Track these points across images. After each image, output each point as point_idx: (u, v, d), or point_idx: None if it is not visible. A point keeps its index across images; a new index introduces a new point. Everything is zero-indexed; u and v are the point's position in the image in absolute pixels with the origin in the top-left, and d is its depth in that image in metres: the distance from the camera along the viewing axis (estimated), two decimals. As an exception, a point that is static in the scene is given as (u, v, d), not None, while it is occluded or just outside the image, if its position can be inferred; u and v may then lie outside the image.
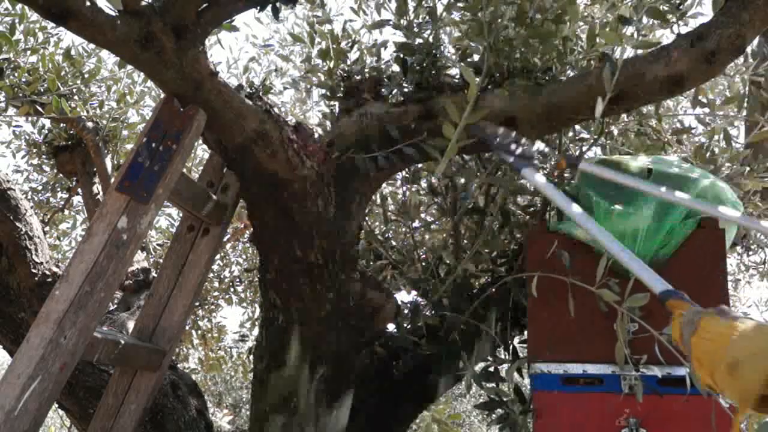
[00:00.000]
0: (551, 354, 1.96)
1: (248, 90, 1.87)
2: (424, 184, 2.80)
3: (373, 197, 2.57)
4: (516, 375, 2.28)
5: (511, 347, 2.35)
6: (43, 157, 4.11)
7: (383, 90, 2.19)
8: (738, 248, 3.90)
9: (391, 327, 2.48)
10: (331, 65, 2.39)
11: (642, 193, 1.93)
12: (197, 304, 4.49)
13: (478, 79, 1.92)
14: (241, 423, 6.39)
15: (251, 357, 2.79)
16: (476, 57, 2.11)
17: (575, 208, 1.51)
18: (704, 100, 2.52)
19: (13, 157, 4.12)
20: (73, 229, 4.63)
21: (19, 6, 2.96)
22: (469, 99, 1.80)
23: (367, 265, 2.77)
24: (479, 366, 2.35)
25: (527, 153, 1.79)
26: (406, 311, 2.51)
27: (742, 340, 0.99)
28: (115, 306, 3.14)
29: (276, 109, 1.89)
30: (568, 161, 1.81)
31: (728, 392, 1.00)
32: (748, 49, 2.09)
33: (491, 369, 2.28)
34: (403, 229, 2.99)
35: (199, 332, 4.78)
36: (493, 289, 2.38)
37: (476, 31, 1.90)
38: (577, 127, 2.51)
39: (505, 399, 2.18)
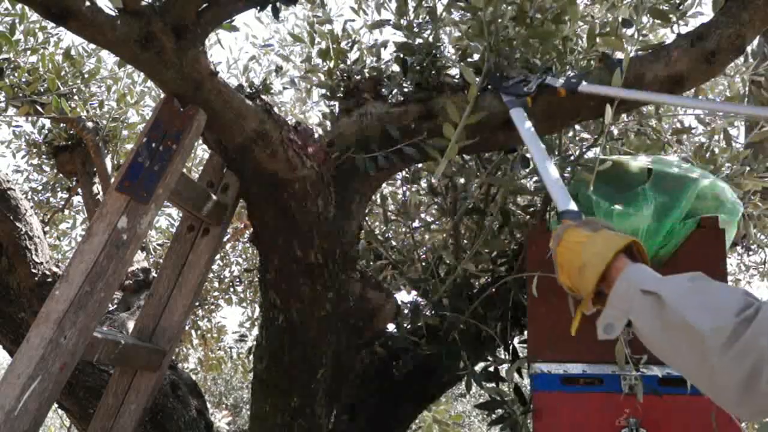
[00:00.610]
0: (551, 354, 1.96)
1: (248, 90, 1.87)
2: (424, 184, 2.80)
3: (373, 197, 2.57)
4: (516, 375, 2.28)
5: (511, 347, 2.35)
6: (43, 157, 4.11)
7: (383, 90, 2.19)
8: (738, 248, 3.90)
9: (391, 327, 2.48)
10: (331, 65, 2.39)
11: (642, 193, 1.93)
12: (197, 304, 4.49)
13: (478, 78, 1.92)
14: (242, 423, 6.39)
15: (251, 357, 2.80)
16: (476, 57, 2.11)
17: (542, 149, 1.58)
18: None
19: (13, 157, 4.12)
20: (73, 229, 4.63)
21: (19, 6, 2.96)
22: (469, 99, 1.80)
23: (367, 265, 2.77)
24: (479, 366, 2.35)
25: (520, 90, 1.81)
26: (406, 311, 2.51)
27: (590, 245, 1.16)
28: (115, 306, 3.14)
29: (276, 109, 1.89)
30: (567, 87, 1.82)
31: (581, 291, 1.17)
32: (748, 49, 2.09)
33: (491, 369, 2.28)
34: (403, 229, 3.00)
35: (199, 332, 4.78)
36: (493, 289, 2.38)
37: (476, 31, 1.90)
38: (577, 127, 2.51)
39: (505, 399, 2.18)
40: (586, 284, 1.15)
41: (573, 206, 1.34)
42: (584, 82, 1.82)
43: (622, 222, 1.91)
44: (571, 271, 1.18)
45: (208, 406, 3.78)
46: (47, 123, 3.88)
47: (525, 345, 2.28)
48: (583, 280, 1.16)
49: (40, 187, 4.38)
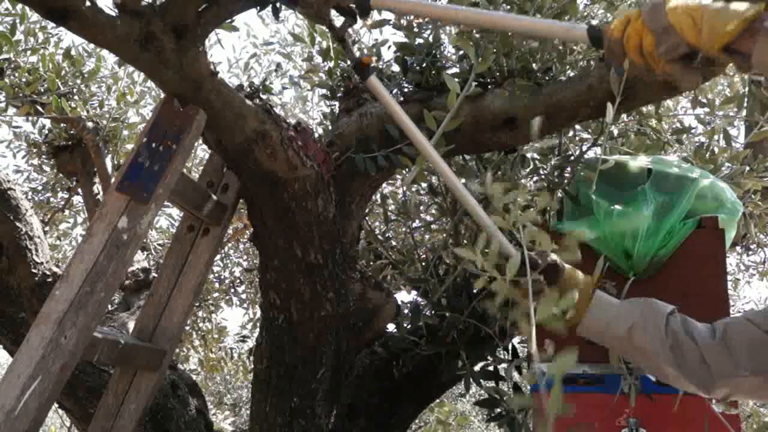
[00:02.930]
0: (551, 354, 1.95)
1: (248, 90, 1.87)
2: (424, 184, 2.80)
3: (373, 197, 2.57)
4: (516, 374, 2.28)
5: (510, 347, 2.35)
6: (44, 157, 4.11)
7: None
8: (738, 248, 3.90)
9: (391, 327, 2.48)
10: (331, 65, 2.39)
11: (642, 193, 1.93)
12: (198, 305, 4.49)
13: (478, 82, 1.92)
14: (242, 423, 6.38)
15: (251, 357, 2.80)
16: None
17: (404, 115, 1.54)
18: (704, 100, 2.52)
19: (13, 157, 4.12)
20: (73, 229, 4.63)
21: (19, 6, 2.97)
22: (448, 106, 1.79)
23: (367, 265, 2.77)
24: (479, 365, 2.35)
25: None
26: (406, 311, 2.51)
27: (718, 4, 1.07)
28: (115, 306, 3.14)
29: (276, 109, 1.89)
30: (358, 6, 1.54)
31: (707, 29, 1.05)
32: (748, 49, 2.09)
33: (490, 368, 2.28)
34: (403, 229, 2.99)
35: (200, 333, 4.78)
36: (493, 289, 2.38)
37: (466, 38, 1.89)
38: (577, 127, 2.51)
39: (504, 397, 2.18)
40: (723, 25, 1.05)
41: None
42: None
43: (622, 222, 1.90)
44: (695, 16, 1.07)
45: (209, 405, 3.78)
46: (47, 123, 3.88)
47: (525, 345, 2.28)
48: (718, 20, 1.05)
49: (40, 187, 4.38)
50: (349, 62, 1.85)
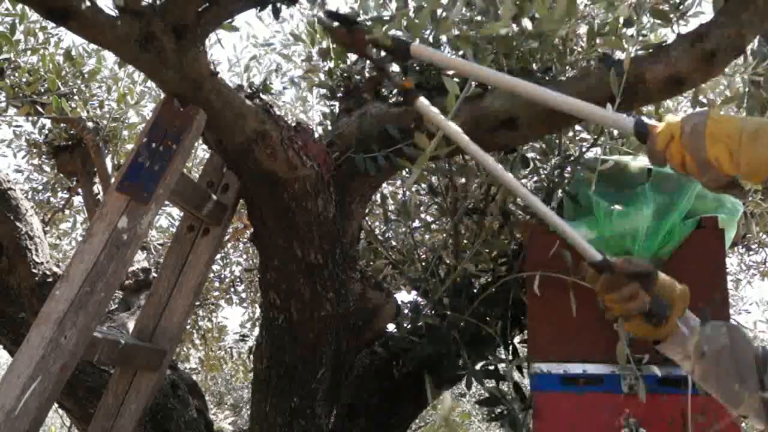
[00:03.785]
0: (551, 354, 1.96)
1: (248, 90, 1.87)
2: (424, 184, 2.80)
3: (373, 197, 2.57)
4: (516, 374, 2.28)
5: (511, 347, 2.35)
6: (44, 157, 4.11)
7: (383, 90, 2.19)
8: (738, 248, 3.90)
9: (391, 327, 2.48)
10: (331, 65, 2.39)
11: (642, 193, 1.93)
12: (198, 304, 4.49)
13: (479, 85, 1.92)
14: (242, 423, 6.38)
15: (251, 357, 2.80)
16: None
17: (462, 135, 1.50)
18: (704, 100, 2.52)
19: (13, 157, 4.12)
20: (74, 229, 4.63)
21: (19, 6, 2.97)
22: (448, 108, 1.78)
23: (367, 265, 2.77)
24: (479, 365, 2.35)
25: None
26: (406, 311, 2.51)
27: (756, 120, 1.07)
28: (115, 306, 3.14)
29: (276, 109, 1.89)
30: (397, 45, 1.54)
31: (745, 161, 1.05)
32: (748, 49, 2.09)
33: (491, 368, 2.28)
34: (403, 229, 2.99)
35: (200, 332, 4.78)
36: (493, 289, 2.38)
37: (465, 40, 1.89)
38: (577, 127, 2.51)
39: (505, 396, 2.18)
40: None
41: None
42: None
43: (622, 222, 1.91)
44: (734, 139, 1.08)
45: (209, 405, 3.79)
46: (48, 123, 3.88)
47: (525, 344, 2.28)
48: (759, 146, 1.05)
49: (40, 187, 4.38)
50: (394, 89, 1.86)
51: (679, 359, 1.36)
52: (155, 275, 3.01)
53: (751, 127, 1.05)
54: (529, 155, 2.32)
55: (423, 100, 1.54)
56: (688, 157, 1.11)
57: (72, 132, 3.84)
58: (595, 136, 2.48)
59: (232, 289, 4.77)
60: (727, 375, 1.28)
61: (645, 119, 1.21)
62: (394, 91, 2.18)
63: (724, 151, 1.06)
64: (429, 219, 3.00)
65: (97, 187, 3.86)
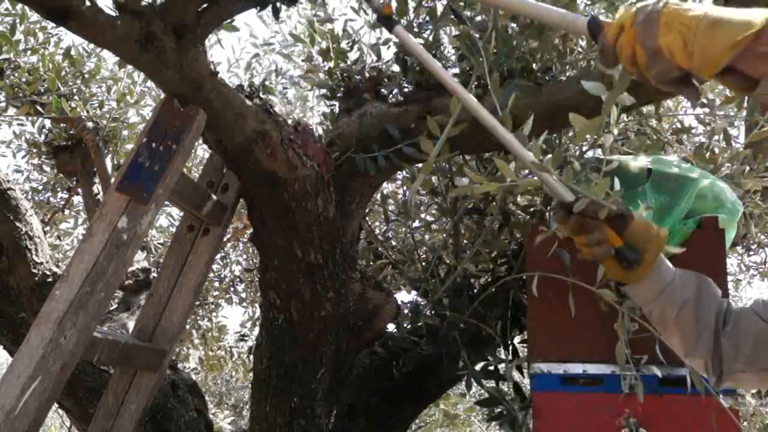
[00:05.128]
0: (551, 354, 1.96)
1: (248, 90, 1.87)
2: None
3: (373, 197, 2.57)
4: (516, 374, 2.28)
5: (511, 347, 2.35)
6: (44, 157, 4.11)
7: (383, 90, 2.19)
8: (738, 248, 3.90)
9: (391, 327, 2.48)
10: (332, 65, 2.39)
11: (642, 193, 1.93)
12: (198, 303, 4.49)
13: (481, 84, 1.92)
14: (243, 423, 6.38)
15: (251, 357, 2.80)
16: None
17: (436, 63, 1.49)
18: (704, 100, 2.52)
19: (13, 157, 4.12)
20: (74, 229, 4.63)
21: (19, 6, 2.97)
22: (451, 111, 1.78)
23: (367, 265, 2.77)
24: (479, 365, 2.35)
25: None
26: (406, 311, 2.51)
27: (722, 10, 0.94)
28: (115, 306, 3.14)
29: (276, 109, 1.89)
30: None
31: (699, 50, 0.93)
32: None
33: (491, 368, 2.28)
34: (403, 229, 3.00)
35: (200, 332, 4.78)
36: (493, 289, 2.38)
37: (465, 39, 1.89)
38: (577, 127, 2.50)
39: (505, 396, 2.18)
40: (721, 42, 0.92)
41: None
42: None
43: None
44: (691, 28, 0.95)
45: (210, 406, 3.78)
46: (47, 123, 3.88)
47: (525, 344, 2.28)
48: (716, 37, 0.92)
49: (40, 187, 4.38)
50: (372, 13, 1.81)
51: (640, 301, 1.35)
52: (155, 275, 3.01)
53: (713, 16, 0.92)
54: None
55: (401, 28, 1.52)
56: (638, 48, 1.00)
57: (72, 132, 3.84)
58: (595, 136, 2.48)
59: (232, 289, 4.77)
60: (685, 326, 1.29)
61: (601, 18, 1.11)
62: (394, 91, 2.18)
63: (678, 39, 0.95)
64: (429, 219, 3.00)
65: (97, 187, 3.86)
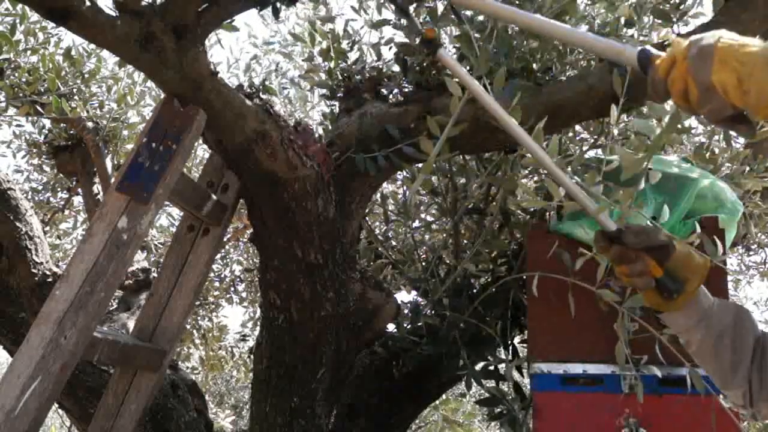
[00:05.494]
0: (551, 354, 1.96)
1: (248, 90, 1.87)
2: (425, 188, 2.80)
3: (373, 197, 2.57)
4: (516, 374, 2.28)
5: (511, 347, 2.35)
6: (44, 157, 4.12)
7: (383, 90, 2.19)
8: (739, 248, 3.90)
9: (391, 327, 2.48)
10: (332, 65, 2.39)
11: (642, 193, 1.93)
12: (198, 303, 4.49)
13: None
14: (243, 423, 6.38)
15: (251, 357, 2.80)
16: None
17: (480, 88, 1.45)
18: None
19: (13, 157, 4.13)
20: (74, 229, 4.64)
21: (19, 6, 2.97)
22: (451, 111, 1.77)
23: (367, 265, 2.77)
24: (479, 365, 2.35)
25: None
26: (406, 311, 2.51)
27: None
28: (115, 306, 3.14)
29: (277, 108, 1.89)
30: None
31: (756, 89, 0.89)
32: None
33: (491, 368, 2.28)
34: (403, 229, 3.00)
35: (200, 332, 4.79)
36: (493, 289, 2.38)
37: (465, 39, 1.89)
38: (577, 127, 2.51)
39: (505, 396, 2.19)
40: None
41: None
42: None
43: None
44: (745, 63, 0.91)
45: (210, 405, 3.79)
46: (47, 123, 3.88)
47: (525, 344, 2.28)
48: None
49: (40, 187, 4.38)
50: (415, 37, 1.81)
51: (677, 329, 1.32)
52: (155, 275, 3.01)
53: None
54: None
55: (444, 51, 1.51)
56: (690, 83, 0.95)
57: (72, 132, 3.84)
58: (595, 136, 2.48)
59: (233, 289, 4.77)
60: (723, 355, 1.25)
61: (652, 49, 1.06)
62: (394, 90, 2.18)
63: (732, 77, 0.90)
64: (429, 219, 3.00)
65: (97, 187, 3.86)
